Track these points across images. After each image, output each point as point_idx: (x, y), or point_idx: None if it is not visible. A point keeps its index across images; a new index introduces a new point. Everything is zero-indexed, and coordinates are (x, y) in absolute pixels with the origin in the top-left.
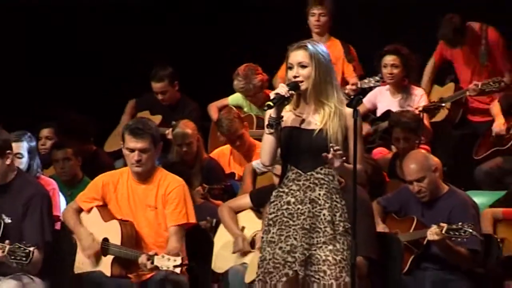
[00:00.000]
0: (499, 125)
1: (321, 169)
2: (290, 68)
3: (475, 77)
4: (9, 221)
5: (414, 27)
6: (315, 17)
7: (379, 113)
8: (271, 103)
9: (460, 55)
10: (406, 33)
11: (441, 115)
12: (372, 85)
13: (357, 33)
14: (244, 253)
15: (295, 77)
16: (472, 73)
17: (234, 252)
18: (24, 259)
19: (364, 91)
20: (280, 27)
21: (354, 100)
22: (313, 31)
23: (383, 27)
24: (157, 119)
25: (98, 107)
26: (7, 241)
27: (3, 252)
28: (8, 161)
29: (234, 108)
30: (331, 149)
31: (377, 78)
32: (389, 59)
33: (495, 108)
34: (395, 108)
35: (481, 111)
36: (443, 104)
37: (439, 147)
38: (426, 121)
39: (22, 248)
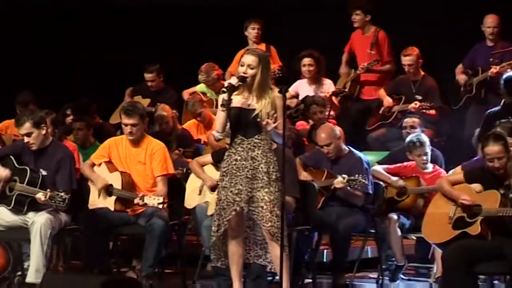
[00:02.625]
0: (388, 101)
1: (258, 136)
2: (241, 65)
3: (366, 62)
4: (45, 173)
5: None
6: (249, 31)
7: (300, 97)
8: (224, 89)
9: (360, 46)
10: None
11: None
12: (276, 73)
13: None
14: (206, 194)
15: (244, 73)
16: (365, 59)
17: (209, 187)
18: (61, 203)
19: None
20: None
21: (283, 89)
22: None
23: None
24: (147, 101)
25: (104, 91)
26: (48, 189)
27: (45, 197)
28: (43, 132)
29: (201, 94)
30: (267, 117)
31: (278, 69)
32: (306, 60)
33: (382, 92)
34: (311, 94)
35: (370, 92)
36: (346, 90)
37: (342, 120)
38: (335, 101)
39: (60, 195)
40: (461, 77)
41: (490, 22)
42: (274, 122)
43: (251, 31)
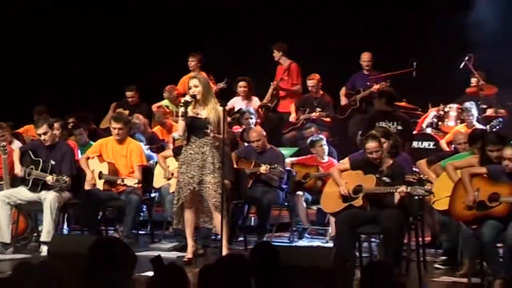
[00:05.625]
0: (293, 117)
1: (206, 137)
2: (190, 88)
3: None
4: (54, 163)
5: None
6: (189, 62)
7: (236, 109)
8: (182, 105)
9: (279, 73)
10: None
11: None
12: (222, 85)
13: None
14: (169, 178)
15: (192, 92)
16: (282, 82)
17: (164, 177)
18: (64, 184)
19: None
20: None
21: (223, 104)
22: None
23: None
24: (126, 112)
25: (96, 104)
26: (54, 174)
27: (52, 179)
28: (54, 131)
29: (164, 107)
30: (209, 129)
31: (224, 82)
32: (241, 83)
33: (292, 106)
34: (244, 107)
35: (284, 106)
36: (269, 104)
37: (265, 125)
38: (261, 112)
39: (63, 178)
40: (343, 99)
41: (365, 57)
42: (214, 131)
43: (191, 63)
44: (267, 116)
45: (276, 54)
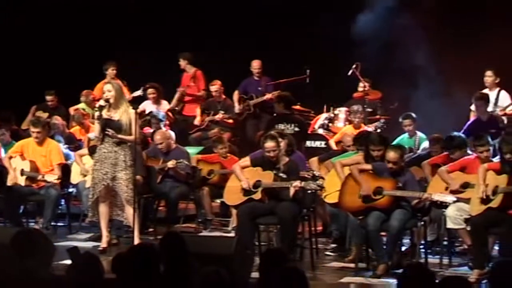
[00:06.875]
0: (198, 120)
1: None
2: (104, 93)
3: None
4: None
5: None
6: (111, 70)
7: (147, 112)
8: (97, 109)
9: (185, 80)
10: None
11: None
12: (139, 93)
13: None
14: (85, 174)
15: (106, 96)
16: (188, 88)
17: (81, 174)
18: None
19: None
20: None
21: (135, 107)
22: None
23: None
24: (46, 115)
25: (17, 106)
26: None
27: None
28: None
29: (82, 110)
30: (110, 132)
31: (141, 90)
32: (150, 90)
33: (197, 110)
34: (154, 110)
35: (189, 110)
36: (176, 108)
37: (175, 126)
38: (170, 115)
39: None
40: (236, 106)
41: (255, 65)
42: (113, 133)
43: (111, 71)
44: (176, 118)
45: (182, 63)
